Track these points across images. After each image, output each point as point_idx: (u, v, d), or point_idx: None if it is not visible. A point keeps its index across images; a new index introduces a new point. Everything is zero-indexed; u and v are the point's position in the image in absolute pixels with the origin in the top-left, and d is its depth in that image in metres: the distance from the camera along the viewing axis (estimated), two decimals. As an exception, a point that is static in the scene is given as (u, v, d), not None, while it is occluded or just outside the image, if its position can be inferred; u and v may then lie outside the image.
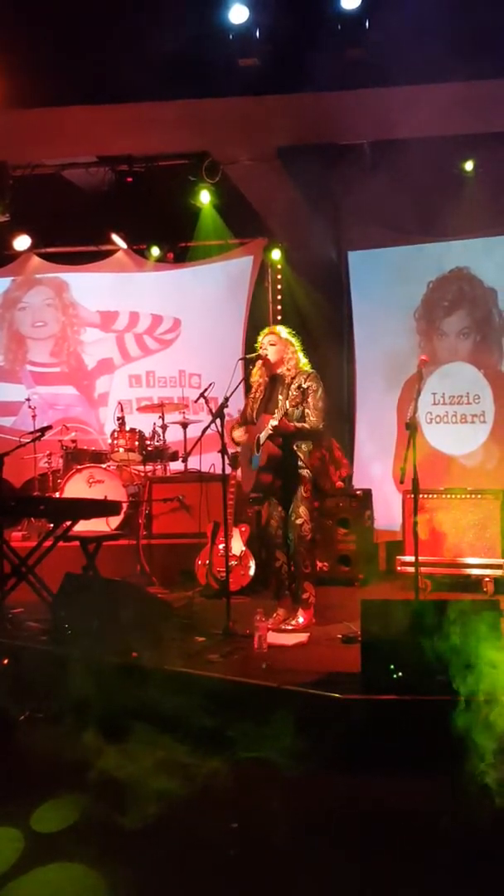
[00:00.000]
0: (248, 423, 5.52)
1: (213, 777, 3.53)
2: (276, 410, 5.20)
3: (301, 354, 5.43)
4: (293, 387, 5.29)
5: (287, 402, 5.22)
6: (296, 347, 5.43)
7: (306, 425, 5.19)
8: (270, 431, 5.10)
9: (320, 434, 5.29)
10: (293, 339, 5.46)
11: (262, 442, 5.23)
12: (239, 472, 5.71)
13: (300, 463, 5.26)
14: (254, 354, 5.46)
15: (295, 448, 5.26)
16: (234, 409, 7.13)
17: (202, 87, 6.29)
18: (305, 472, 5.27)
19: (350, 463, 8.84)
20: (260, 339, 5.51)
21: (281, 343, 5.39)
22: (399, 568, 6.61)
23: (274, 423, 5.07)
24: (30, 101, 6.41)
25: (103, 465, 7.89)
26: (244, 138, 7.48)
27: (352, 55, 5.91)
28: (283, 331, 5.52)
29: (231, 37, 6.05)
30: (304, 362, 5.41)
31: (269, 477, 5.29)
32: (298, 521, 5.29)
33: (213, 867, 2.93)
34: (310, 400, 5.23)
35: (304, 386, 5.27)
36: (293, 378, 5.32)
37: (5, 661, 4.78)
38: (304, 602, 5.36)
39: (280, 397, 5.27)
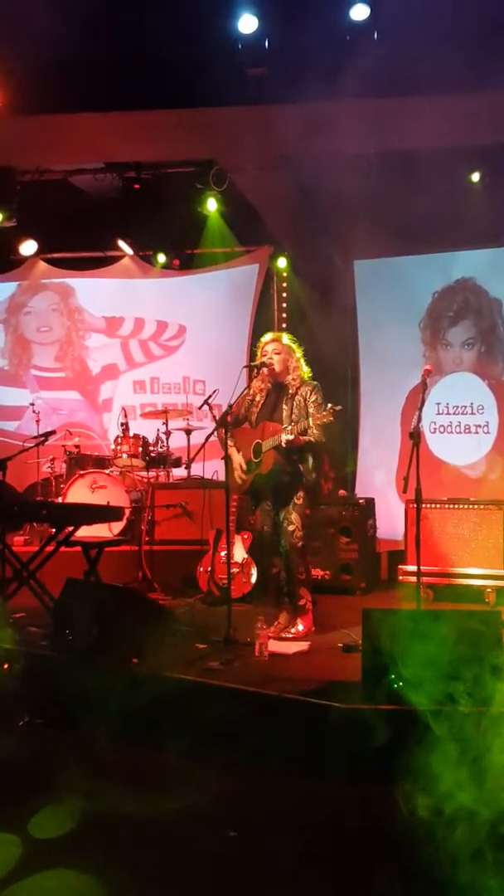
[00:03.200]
0: (238, 425, 5.49)
1: (212, 785, 3.53)
2: (284, 423, 5.20)
3: (303, 363, 5.42)
4: (297, 397, 5.29)
5: (293, 413, 5.23)
6: (298, 356, 5.41)
7: (311, 438, 5.15)
8: (283, 445, 5.10)
9: (322, 446, 5.27)
10: (295, 347, 5.44)
11: (265, 450, 5.23)
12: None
13: (301, 473, 5.26)
14: (258, 362, 5.43)
15: (296, 458, 5.24)
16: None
17: (210, 96, 6.32)
18: (304, 483, 5.27)
19: (353, 472, 8.86)
20: (262, 345, 5.46)
21: (285, 351, 5.37)
22: (401, 577, 6.59)
23: (289, 437, 5.05)
24: (38, 107, 6.44)
25: (106, 471, 7.88)
26: (252, 147, 7.50)
27: (359, 65, 5.93)
28: (286, 338, 5.48)
29: (240, 46, 6.09)
30: (305, 370, 5.40)
31: (266, 483, 5.29)
32: (290, 528, 5.28)
33: (211, 875, 2.92)
34: (314, 412, 5.18)
35: (311, 399, 5.25)
36: (297, 389, 5.31)
37: (6, 667, 4.78)
38: (301, 609, 5.36)
39: (285, 408, 5.28)
